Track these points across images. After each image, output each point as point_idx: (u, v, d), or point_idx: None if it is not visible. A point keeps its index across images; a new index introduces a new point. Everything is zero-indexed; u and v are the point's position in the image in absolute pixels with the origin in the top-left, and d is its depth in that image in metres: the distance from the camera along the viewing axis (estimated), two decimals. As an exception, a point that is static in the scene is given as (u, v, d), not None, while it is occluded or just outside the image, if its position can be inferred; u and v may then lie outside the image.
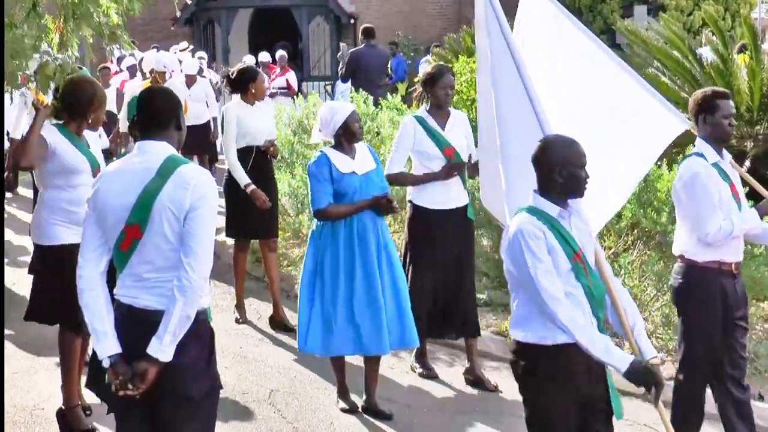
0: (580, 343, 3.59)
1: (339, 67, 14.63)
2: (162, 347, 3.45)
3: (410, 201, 6.14)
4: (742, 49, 11.64)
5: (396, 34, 21.20)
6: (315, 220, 5.60)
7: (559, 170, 3.67)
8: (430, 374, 6.28)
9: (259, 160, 7.09)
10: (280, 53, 16.54)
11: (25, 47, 5.61)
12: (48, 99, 7.22)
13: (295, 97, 15.40)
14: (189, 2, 21.71)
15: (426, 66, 15.63)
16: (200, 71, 13.62)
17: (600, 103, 4.89)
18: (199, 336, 3.60)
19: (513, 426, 5.53)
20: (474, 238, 6.40)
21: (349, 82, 17.80)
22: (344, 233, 5.44)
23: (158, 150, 3.60)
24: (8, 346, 6.70)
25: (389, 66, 18.00)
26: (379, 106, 9.26)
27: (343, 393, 5.78)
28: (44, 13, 5.60)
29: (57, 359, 6.67)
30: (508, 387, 5.73)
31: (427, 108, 6.07)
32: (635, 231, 6.67)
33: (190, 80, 12.49)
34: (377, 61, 12.75)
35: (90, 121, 5.40)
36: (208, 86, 12.88)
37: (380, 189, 5.52)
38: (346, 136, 5.50)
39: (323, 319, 5.45)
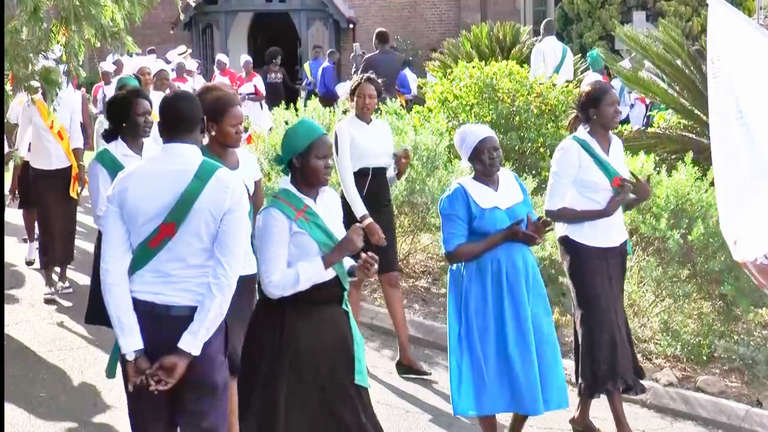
0: None
1: (353, 70, 14.59)
2: (196, 342, 3.59)
3: (566, 237, 5.26)
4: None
5: (395, 39, 21.21)
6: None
7: None
8: None
9: (374, 185, 6.31)
10: (245, 58, 16.32)
11: (27, 51, 5.62)
12: (51, 108, 7.08)
13: (263, 102, 15.34)
14: (192, 3, 21.68)
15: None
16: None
17: None
18: (220, 329, 3.74)
19: None
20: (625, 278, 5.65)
21: (348, 84, 17.83)
22: (491, 274, 4.73)
23: (190, 153, 3.74)
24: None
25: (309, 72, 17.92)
26: (379, 111, 9.26)
27: None
28: (45, 17, 5.61)
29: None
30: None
31: (588, 130, 5.25)
32: (634, 237, 6.68)
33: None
34: (391, 66, 12.72)
35: (215, 134, 4.56)
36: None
37: (526, 223, 4.75)
38: (480, 166, 4.82)
39: (474, 372, 4.74)
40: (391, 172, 6.43)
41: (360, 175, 6.27)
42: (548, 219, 4.79)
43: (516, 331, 4.69)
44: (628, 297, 6.68)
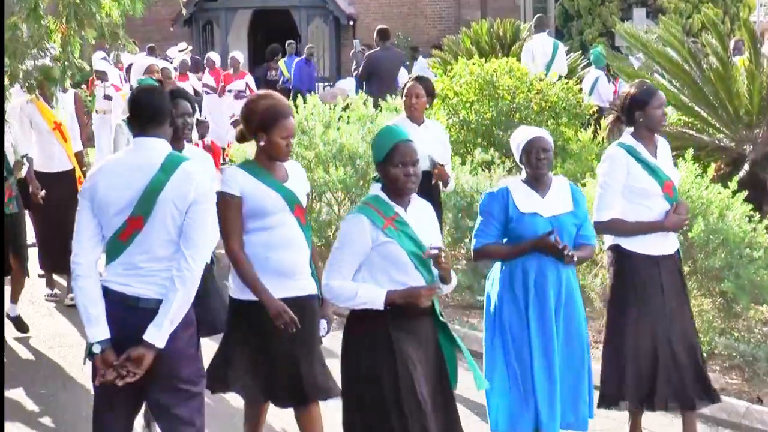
0: None
1: (353, 67, 14.56)
2: (160, 334, 3.62)
3: (617, 246, 4.92)
4: (738, 46, 11.70)
5: (396, 36, 21.23)
6: (493, 265, 4.76)
7: None
8: None
9: (423, 187, 6.11)
10: (232, 55, 16.04)
11: (25, 47, 5.60)
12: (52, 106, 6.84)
13: None
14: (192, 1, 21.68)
15: (424, 69, 15.66)
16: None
17: None
18: (188, 323, 3.78)
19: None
20: (687, 286, 5.25)
21: (349, 81, 17.77)
22: (522, 284, 4.53)
23: (158, 146, 3.78)
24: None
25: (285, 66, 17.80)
26: (379, 108, 9.26)
27: None
28: (45, 14, 5.59)
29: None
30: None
31: (632, 133, 4.91)
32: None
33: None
34: (392, 64, 12.71)
35: (263, 144, 4.26)
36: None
37: (572, 237, 4.54)
38: (528, 168, 4.56)
39: (511, 386, 4.54)
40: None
41: None
42: (572, 255, 4.44)
43: (541, 346, 4.50)
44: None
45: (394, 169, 3.82)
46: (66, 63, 6.13)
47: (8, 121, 7.13)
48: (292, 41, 18.70)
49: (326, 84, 20.54)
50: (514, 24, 14.68)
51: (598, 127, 9.49)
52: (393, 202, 3.86)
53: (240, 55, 16.11)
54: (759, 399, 5.72)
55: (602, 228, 4.90)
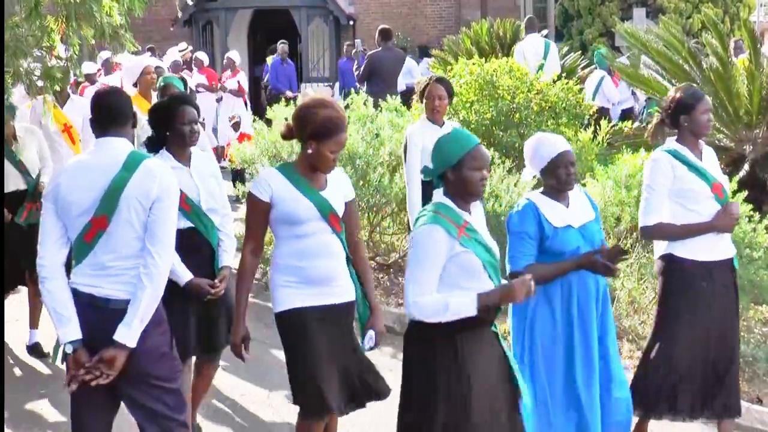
0: None
1: (354, 67, 14.57)
2: (131, 333, 3.64)
3: (670, 255, 4.80)
4: (738, 46, 11.70)
5: (396, 36, 21.22)
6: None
7: None
8: None
9: None
10: (227, 55, 15.93)
11: (27, 46, 5.60)
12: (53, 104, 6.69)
13: (246, 101, 15.15)
14: (190, 2, 21.68)
15: (424, 70, 15.67)
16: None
17: None
18: (159, 321, 3.80)
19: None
20: (739, 296, 5.06)
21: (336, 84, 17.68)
22: (561, 297, 4.38)
23: (120, 146, 3.81)
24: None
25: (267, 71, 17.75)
26: (379, 108, 9.26)
27: None
28: (45, 13, 5.58)
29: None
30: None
31: (677, 138, 4.87)
32: (634, 234, 6.67)
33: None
34: (393, 64, 12.69)
35: (311, 152, 4.16)
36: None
37: (598, 244, 4.42)
38: (554, 181, 4.40)
39: (538, 403, 4.37)
40: None
41: (428, 184, 5.81)
42: (623, 248, 4.31)
43: (584, 360, 4.38)
44: (629, 294, 6.67)
45: (470, 172, 3.70)
46: (70, 63, 6.13)
47: (21, 136, 6.78)
48: (284, 41, 18.74)
49: (327, 84, 20.54)
50: (514, 24, 14.69)
51: (598, 127, 9.49)
52: (460, 210, 3.75)
53: (236, 54, 16.06)
54: (759, 399, 5.73)
55: (649, 232, 4.80)
